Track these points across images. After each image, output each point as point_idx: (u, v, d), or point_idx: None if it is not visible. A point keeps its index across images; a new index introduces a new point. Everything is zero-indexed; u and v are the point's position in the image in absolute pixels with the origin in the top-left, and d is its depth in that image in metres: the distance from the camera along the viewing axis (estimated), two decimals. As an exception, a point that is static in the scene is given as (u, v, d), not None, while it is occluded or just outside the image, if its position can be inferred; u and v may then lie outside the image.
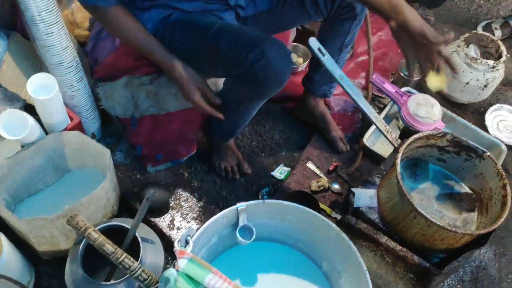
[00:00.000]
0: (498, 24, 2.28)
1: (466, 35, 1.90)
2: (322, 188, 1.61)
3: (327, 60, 1.23)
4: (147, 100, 1.46)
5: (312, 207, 1.18)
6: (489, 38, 1.90)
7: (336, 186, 1.62)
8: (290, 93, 1.88)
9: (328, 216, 1.55)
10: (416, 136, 1.19)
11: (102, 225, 1.23)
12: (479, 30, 2.26)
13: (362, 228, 1.17)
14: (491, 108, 1.97)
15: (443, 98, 2.00)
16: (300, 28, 1.93)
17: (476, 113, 1.99)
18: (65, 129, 1.39)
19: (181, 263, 1.01)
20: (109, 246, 1.06)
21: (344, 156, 1.74)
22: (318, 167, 1.67)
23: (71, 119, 1.42)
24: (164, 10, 1.30)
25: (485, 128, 1.90)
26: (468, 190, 1.33)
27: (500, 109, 1.99)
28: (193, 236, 1.06)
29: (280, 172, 1.68)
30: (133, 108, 1.47)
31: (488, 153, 1.22)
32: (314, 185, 1.61)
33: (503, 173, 1.16)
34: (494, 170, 1.19)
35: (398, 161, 1.11)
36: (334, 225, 1.13)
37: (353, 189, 1.26)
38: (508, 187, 1.13)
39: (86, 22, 1.51)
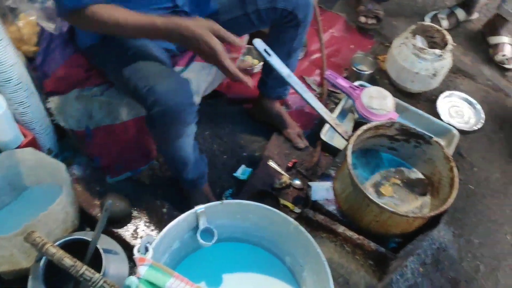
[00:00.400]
0: (445, 14, 2.37)
1: (413, 27, 1.97)
2: (284, 185, 1.64)
3: (273, 59, 1.26)
4: (101, 111, 1.46)
5: (274, 205, 1.20)
6: (434, 28, 1.97)
7: (297, 182, 1.65)
8: (247, 95, 1.91)
9: (291, 211, 1.58)
10: (365, 127, 1.23)
11: (61, 240, 1.22)
12: (427, 21, 2.34)
13: (320, 220, 1.20)
14: (442, 95, 2.05)
15: (396, 89, 2.06)
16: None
17: (428, 101, 2.06)
18: (19, 147, 1.37)
19: (142, 270, 1.01)
20: (68, 260, 1.06)
21: (304, 152, 1.77)
22: (279, 165, 1.70)
23: (25, 136, 1.40)
24: None
25: (437, 115, 1.98)
26: (421, 176, 1.38)
27: (451, 96, 2.07)
28: (152, 243, 1.06)
29: (242, 172, 1.70)
30: (87, 120, 1.46)
31: (434, 138, 1.27)
32: (276, 183, 1.64)
33: (450, 156, 1.21)
34: (441, 154, 1.23)
35: (349, 152, 1.14)
36: (292, 219, 1.15)
37: (310, 183, 1.29)
38: (455, 169, 1.18)
39: (34, 37, 1.49)
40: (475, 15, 2.45)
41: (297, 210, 1.57)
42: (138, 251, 1.05)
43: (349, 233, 1.17)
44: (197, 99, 1.57)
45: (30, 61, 1.50)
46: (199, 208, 1.15)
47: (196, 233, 1.18)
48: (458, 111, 2.04)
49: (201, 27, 1.11)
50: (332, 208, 1.26)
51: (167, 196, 1.59)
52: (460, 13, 2.37)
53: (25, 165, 1.37)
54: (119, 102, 1.46)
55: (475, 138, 1.98)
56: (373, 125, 1.24)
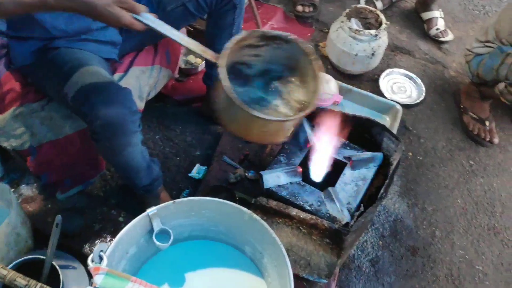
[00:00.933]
0: None
1: (347, 10, 2.02)
2: (239, 178, 1.65)
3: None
4: (43, 127, 1.42)
5: (230, 199, 1.20)
6: (367, 10, 2.04)
7: (251, 174, 1.66)
8: (194, 94, 1.91)
9: (250, 203, 1.59)
10: (228, 44, 1.12)
11: (15, 262, 1.19)
12: (362, 3, 2.41)
13: (273, 206, 1.22)
14: (383, 74, 2.12)
15: (339, 73, 2.12)
16: (191, 28, 1.95)
17: (371, 81, 2.13)
18: (-41, 173, 1.33)
19: (98, 279, 0.99)
20: (20, 280, 1.03)
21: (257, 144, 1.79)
22: (232, 160, 1.71)
23: (-36, 161, 1.35)
24: (41, 42, 1.30)
25: (381, 93, 2.04)
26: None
27: (392, 73, 2.14)
28: (106, 251, 1.05)
29: (197, 172, 1.70)
30: (30, 138, 1.42)
31: (290, 35, 1.19)
32: (231, 177, 1.65)
33: (308, 50, 1.16)
34: (301, 51, 1.18)
35: (222, 70, 1.05)
36: (245, 209, 1.16)
37: (261, 172, 1.30)
38: (315, 62, 1.12)
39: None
40: None
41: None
42: (92, 261, 1.04)
43: (302, 214, 1.19)
44: (141, 104, 1.55)
45: (-40, 84, 1.45)
46: (151, 210, 1.14)
47: (152, 236, 1.17)
48: (401, 87, 2.11)
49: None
50: (285, 193, 1.28)
51: (123, 204, 1.58)
52: None
53: (-33, 191, 1.32)
54: (61, 116, 1.43)
55: (419, 111, 2.05)
56: (235, 39, 1.14)
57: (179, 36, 1.11)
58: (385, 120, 1.92)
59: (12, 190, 1.52)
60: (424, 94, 2.07)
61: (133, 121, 1.22)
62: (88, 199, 1.55)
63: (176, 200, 1.17)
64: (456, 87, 2.14)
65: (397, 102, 1.95)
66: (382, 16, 2.00)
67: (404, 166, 1.86)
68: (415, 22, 2.46)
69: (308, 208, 1.24)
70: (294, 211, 1.21)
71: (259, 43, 1.22)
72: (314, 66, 1.16)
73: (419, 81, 2.12)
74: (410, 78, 2.13)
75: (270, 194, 1.29)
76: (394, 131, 1.80)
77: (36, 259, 1.22)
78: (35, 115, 1.42)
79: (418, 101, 2.05)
